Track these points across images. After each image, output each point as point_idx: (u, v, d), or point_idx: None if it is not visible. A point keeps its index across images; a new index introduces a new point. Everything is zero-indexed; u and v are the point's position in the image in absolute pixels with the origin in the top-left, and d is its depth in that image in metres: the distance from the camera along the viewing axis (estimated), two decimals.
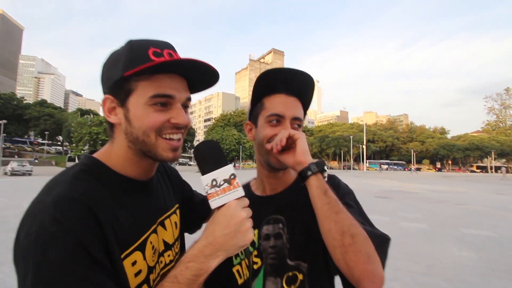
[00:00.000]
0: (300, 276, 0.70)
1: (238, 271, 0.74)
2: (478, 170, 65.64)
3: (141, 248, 0.57)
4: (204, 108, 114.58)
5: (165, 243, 0.66)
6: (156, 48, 0.57)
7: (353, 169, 57.59)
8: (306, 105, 0.79)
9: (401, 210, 8.15)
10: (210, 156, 0.57)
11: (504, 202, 10.81)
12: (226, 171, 0.55)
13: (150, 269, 0.59)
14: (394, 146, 75.52)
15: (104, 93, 0.59)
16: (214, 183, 0.55)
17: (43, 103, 61.91)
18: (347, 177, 26.67)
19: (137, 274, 0.55)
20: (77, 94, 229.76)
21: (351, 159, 59.70)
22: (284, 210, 0.75)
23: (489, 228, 6.11)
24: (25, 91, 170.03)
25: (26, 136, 62.61)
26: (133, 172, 0.61)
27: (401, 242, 4.88)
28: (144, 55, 0.56)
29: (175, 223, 0.72)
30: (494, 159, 70.65)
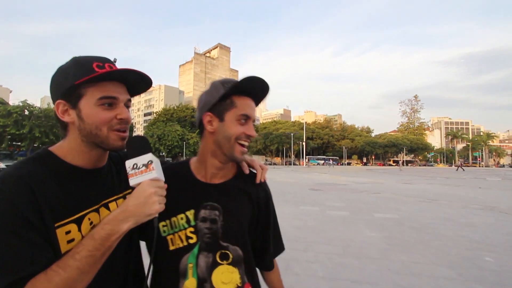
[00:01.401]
0: (231, 255, 0.86)
1: (171, 239, 0.85)
2: (394, 164, 77.60)
3: (77, 221, 0.70)
4: (144, 102, 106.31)
5: None
6: (98, 62, 0.72)
7: (294, 164, 61.46)
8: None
9: (329, 200, 9.14)
10: (136, 146, 0.73)
11: (408, 190, 13.11)
12: (145, 158, 0.70)
13: None
14: (329, 143, 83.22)
15: (56, 99, 0.73)
16: (134, 166, 0.69)
17: None
18: (287, 172, 28.31)
19: (69, 241, 0.67)
20: None
21: (293, 155, 63.59)
22: (221, 200, 0.87)
23: (393, 212, 7.36)
24: None
25: None
26: (82, 162, 0.75)
27: (325, 228, 5.50)
28: (89, 67, 0.70)
29: None
30: (406, 154, 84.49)
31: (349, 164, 75.68)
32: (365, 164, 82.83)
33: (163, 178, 0.73)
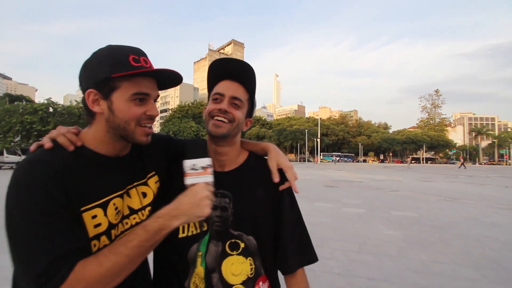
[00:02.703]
0: (242, 245, 0.84)
1: (182, 226, 0.84)
2: (413, 161, 74.94)
3: (103, 206, 0.72)
4: (160, 99, 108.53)
5: (130, 208, 0.80)
6: (134, 55, 0.73)
7: (308, 161, 60.84)
8: (250, 89, 0.91)
9: (345, 197, 8.98)
10: (197, 148, 0.75)
11: (427, 188, 12.65)
12: (204, 161, 0.73)
13: (112, 225, 0.74)
14: (345, 140, 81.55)
15: (86, 87, 0.73)
16: (193, 166, 0.72)
17: None
18: (302, 169, 28.08)
19: (96, 225, 0.70)
20: (4, 77, 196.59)
21: (307, 152, 62.96)
22: (231, 187, 0.87)
23: (412, 210, 7.13)
24: None
25: None
26: (106, 150, 0.77)
27: (341, 225, 5.43)
28: (126, 60, 0.71)
29: (143, 193, 0.84)
30: (425, 152, 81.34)
31: (364, 161, 73.94)
32: (382, 161, 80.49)
33: (213, 183, 0.75)
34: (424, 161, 75.44)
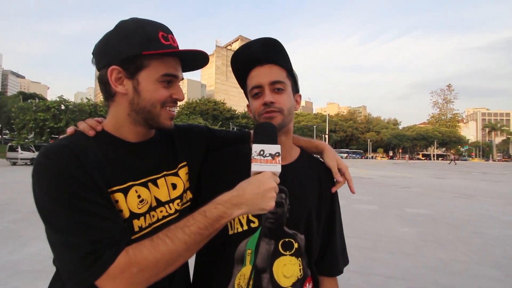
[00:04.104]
0: (296, 245, 0.78)
1: (230, 223, 0.78)
2: (423, 158, 73.54)
3: (124, 191, 0.65)
4: None
5: (157, 199, 0.73)
6: (163, 32, 0.67)
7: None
8: (284, 64, 0.80)
9: (356, 194, 8.83)
10: (267, 132, 0.68)
11: (441, 185, 12.35)
12: (274, 148, 0.65)
13: (134, 215, 0.66)
14: (353, 136, 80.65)
15: (108, 63, 0.65)
16: (261, 152, 0.65)
17: None
18: None
19: (119, 211, 0.63)
20: (18, 76, 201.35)
21: None
22: (287, 182, 0.79)
23: (426, 207, 6.96)
24: None
25: None
26: (126, 135, 0.71)
27: (354, 222, 5.34)
28: (156, 38, 0.65)
29: (173, 184, 0.77)
30: (436, 148, 79.64)
31: (373, 157, 72.90)
32: (391, 158, 79.26)
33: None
34: (435, 158, 73.81)
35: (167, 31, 0.69)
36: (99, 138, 0.68)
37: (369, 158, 58.22)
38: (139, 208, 0.68)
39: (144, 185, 0.70)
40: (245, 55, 0.81)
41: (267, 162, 0.64)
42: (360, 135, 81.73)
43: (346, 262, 0.91)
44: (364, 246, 4.03)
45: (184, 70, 0.76)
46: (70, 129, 0.68)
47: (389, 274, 3.14)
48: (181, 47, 0.72)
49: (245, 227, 0.77)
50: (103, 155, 0.65)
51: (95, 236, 0.54)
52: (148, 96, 0.67)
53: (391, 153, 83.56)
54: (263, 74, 0.79)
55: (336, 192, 0.89)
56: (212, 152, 0.88)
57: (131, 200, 0.66)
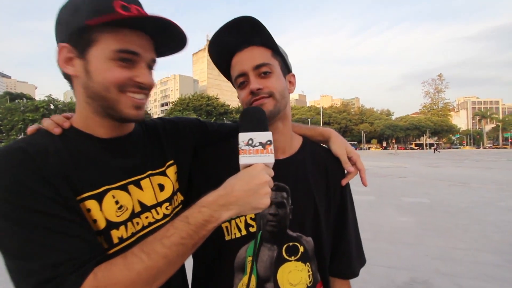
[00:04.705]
0: (301, 249, 0.70)
1: (226, 227, 0.70)
2: (416, 147, 74.64)
3: (97, 197, 0.55)
4: (160, 92, 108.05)
5: (141, 204, 0.62)
6: (123, 2, 0.55)
7: None
8: (267, 42, 0.70)
9: (353, 185, 8.85)
10: (255, 118, 0.59)
11: (435, 173, 12.51)
12: (264, 136, 0.56)
13: (112, 224, 0.56)
14: (347, 128, 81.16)
15: (60, 40, 0.56)
16: (250, 142, 0.55)
17: None
18: None
19: (92, 222, 0.54)
20: (3, 76, 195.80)
21: None
22: (288, 179, 0.71)
23: (423, 196, 7.02)
24: None
25: None
26: (96, 130, 0.59)
27: None
28: (109, 6, 0.53)
29: (160, 184, 0.67)
30: (429, 137, 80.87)
31: (368, 148, 73.80)
32: (385, 148, 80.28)
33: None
34: (428, 147, 75.08)
35: (129, 1, 0.56)
36: (66, 136, 0.57)
37: (364, 149, 58.97)
38: (117, 216, 0.57)
39: (123, 188, 0.60)
40: (220, 44, 0.70)
41: (257, 153, 0.54)
42: (354, 127, 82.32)
43: (362, 262, 0.82)
44: (364, 237, 3.99)
45: (160, 53, 0.64)
46: (31, 128, 0.57)
47: (391, 264, 3.13)
48: None
49: (244, 232, 0.69)
50: (70, 157, 0.55)
51: (55, 258, 0.45)
52: (100, 78, 0.55)
53: (384, 144, 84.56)
54: (244, 60, 0.69)
55: (347, 185, 0.80)
56: (204, 147, 0.79)
57: (108, 207, 0.56)
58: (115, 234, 0.56)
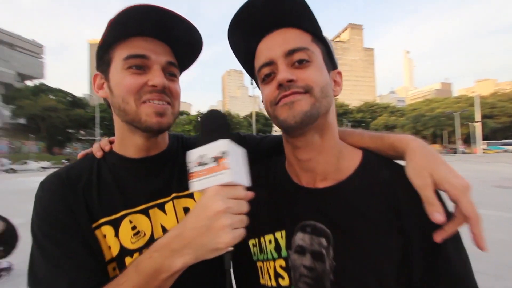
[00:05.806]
0: None
1: (261, 268, 0.57)
2: None
3: (114, 223, 0.54)
4: None
5: (164, 229, 0.59)
6: (133, 12, 0.54)
7: (463, 152, 47.25)
8: (305, 24, 0.52)
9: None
10: (209, 125, 0.47)
11: None
12: (216, 147, 0.42)
13: (126, 251, 0.54)
14: None
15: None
16: (201, 160, 0.43)
17: None
18: (453, 163, 22.12)
19: (108, 248, 0.54)
20: None
21: (458, 141, 49.07)
22: (331, 219, 0.50)
23: None
24: None
25: None
26: (126, 150, 0.60)
27: None
28: (123, 22, 0.54)
29: (186, 208, 0.64)
30: None
31: None
32: None
33: (244, 181, 0.44)
34: None
35: (139, 9, 0.51)
36: (104, 159, 0.61)
37: None
38: (132, 243, 0.54)
39: (144, 212, 0.57)
40: (243, 24, 0.52)
41: (209, 173, 0.42)
42: None
43: None
44: None
45: (183, 61, 0.62)
46: (81, 153, 0.64)
47: None
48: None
49: (273, 283, 0.52)
50: (98, 182, 0.58)
51: (57, 286, 0.48)
52: (118, 91, 0.55)
53: None
54: (273, 45, 0.51)
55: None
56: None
57: (124, 233, 0.55)
58: (129, 261, 0.54)
